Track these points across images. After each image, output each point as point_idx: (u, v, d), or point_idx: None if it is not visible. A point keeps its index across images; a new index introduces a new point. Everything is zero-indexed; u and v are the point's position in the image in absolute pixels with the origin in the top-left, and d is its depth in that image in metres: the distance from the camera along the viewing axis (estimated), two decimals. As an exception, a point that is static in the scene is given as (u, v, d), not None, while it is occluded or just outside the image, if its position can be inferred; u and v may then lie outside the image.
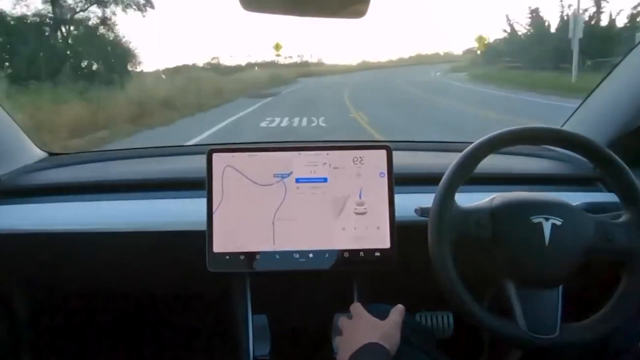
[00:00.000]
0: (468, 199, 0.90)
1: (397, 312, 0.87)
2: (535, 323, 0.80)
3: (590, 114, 1.28)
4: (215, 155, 1.00)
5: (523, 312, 0.81)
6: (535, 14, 20.08)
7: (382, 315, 0.87)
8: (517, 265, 0.83)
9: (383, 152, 1.00)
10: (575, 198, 1.04)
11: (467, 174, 0.87)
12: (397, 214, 0.99)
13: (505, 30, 23.31)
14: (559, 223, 0.82)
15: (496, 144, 0.87)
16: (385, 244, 0.98)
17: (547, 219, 0.82)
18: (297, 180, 1.00)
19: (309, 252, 0.99)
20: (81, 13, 13.88)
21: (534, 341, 0.80)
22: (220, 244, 0.98)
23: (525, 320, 0.80)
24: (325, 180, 1.00)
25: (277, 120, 9.37)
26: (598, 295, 0.87)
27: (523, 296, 0.82)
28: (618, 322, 0.81)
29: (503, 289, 0.84)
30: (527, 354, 1.01)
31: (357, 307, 0.90)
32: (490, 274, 0.86)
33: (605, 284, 0.87)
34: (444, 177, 0.87)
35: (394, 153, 1.00)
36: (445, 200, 0.85)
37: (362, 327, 0.84)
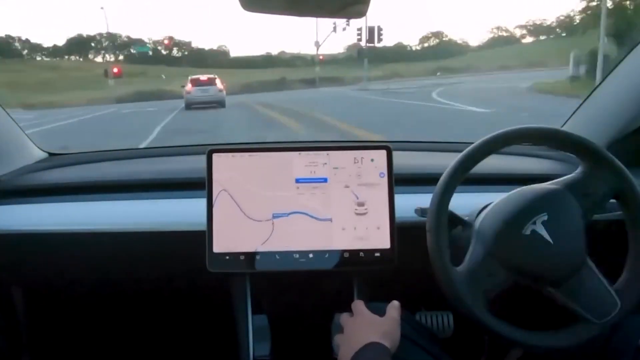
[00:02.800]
0: (468, 200, 0.90)
1: (394, 308, 0.88)
2: (597, 308, 0.81)
3: (590, 114, 1.28)
4: (215, 155, 1.00)
5: (581, 306, 0.82)
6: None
7: (382, 314, 0.87)
8: (544, 275, 0.83)
9: (383, 152, 1.00)
10: None
11: (465, 174, 0.87)
12: (397, 214, 0.99)
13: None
14: (547, 218, 0.82)
15: (496, 144, 0.87)
16: (385, 244, 0.99)
17: (534, 222, 0.82)
18: (297, 181, 1.00)
19: (309, 252, 0.99)
20: None
21: (608, 325, 0.81)
22: (220, 244, 0.99)
23: (589, 312, 0.81)
24: (325, 180, 1.00)
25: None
26: (625, 251, 0.87)
27: (568, 292, 0.82)
28: None
29: (551, 299, 0.84)
30: (527, 354, 1.01)
31: (358, 305, 0.90)
32: (529, 290, 0.86)
33: (622, 239, 0.88)
34: (445, 175, 0.87)
35: (394, 153, 1.01)
36: (443, 205, 0.85)
37: (363, 325, 0.84)
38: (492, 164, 0.94)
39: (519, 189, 0.88)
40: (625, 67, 1.19)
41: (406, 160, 1.21)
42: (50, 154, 1.42)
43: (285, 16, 0.73)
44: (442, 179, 0.86)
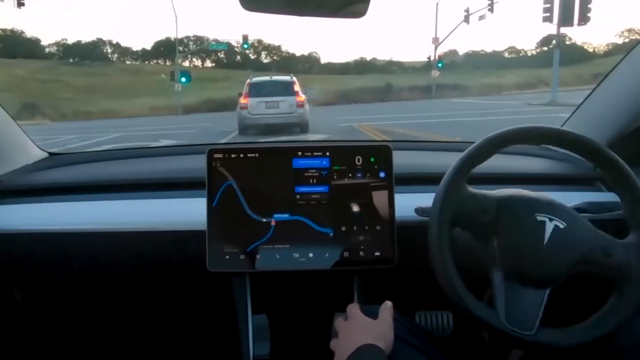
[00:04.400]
0: None
1: (387, 309, 0.87)
2: (514, 317, 0.79)
3: (590, 114, 1.28)
4: (215, 155, 1.00)
5: (505, 304, 0.80)
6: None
7: (376, 317, 0.86)
8: (510, 258, 0.82)
9: (383, 152, 1.00)
10: (576, 198, 1.04)
11: (468, 173, 0.87)
12: (397, 214, 0.99)
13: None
14: (561, 226, 0.81)
15: (497, 144, 0.87)
16: (386, 243, 0.99)
17: (551, 220, 0.82)
18: (297, 190, 1.00)
19: (309, 251, 0.99)
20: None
21: (509, 333, 0.79)
22: (220, 244, 0.99)
23: (505, 312, 0.80)
24: (326, 189, 1.00)
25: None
26: (582, 307, 0.87)
27: (509, 289, 0.81)
28: (592, 338, 0.80)
29: (490, 278, 0.83)
30: (527, 354, 1.01)
31: (352, 308, 0.90)
32: (482, 262, 0.85)
33: (592, 298, 0.87)
34: (447, 174, 0.86)
35: (394, 153, 1.00)
36: (453, 185, 0.84)
37: (356, 328, 0.84)
38: (492, 163, 0.94)
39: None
40: (624, 67, 1.19)
41: (406, 160, 1.21)
42: (51, 154, 1.42)
43: (285, 16, 0.73)
44: (445, 177, 0.86)
